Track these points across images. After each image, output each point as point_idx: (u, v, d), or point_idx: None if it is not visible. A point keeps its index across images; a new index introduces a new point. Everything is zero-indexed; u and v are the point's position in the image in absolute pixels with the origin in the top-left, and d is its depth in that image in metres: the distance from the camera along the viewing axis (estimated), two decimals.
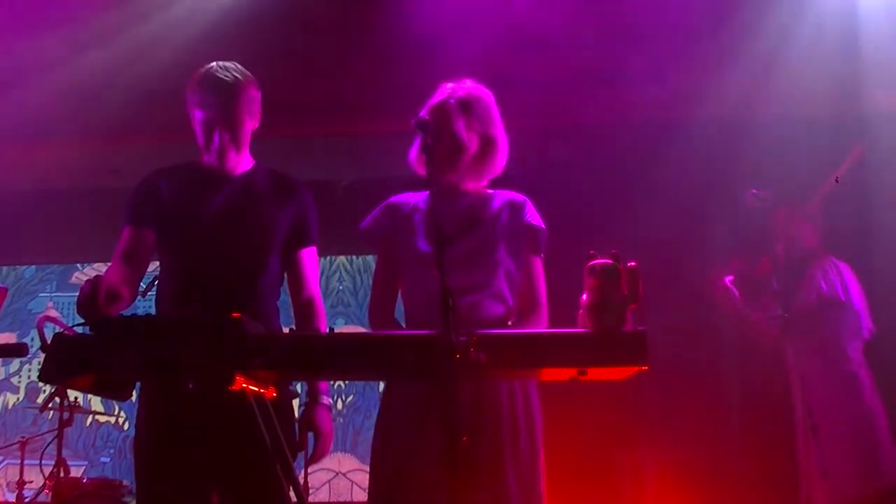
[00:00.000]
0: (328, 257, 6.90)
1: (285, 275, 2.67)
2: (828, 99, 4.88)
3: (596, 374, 1.91)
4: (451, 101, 2.44)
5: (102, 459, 6.38)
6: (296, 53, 5.02)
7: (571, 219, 5.95)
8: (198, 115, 2.57)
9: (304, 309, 2.62)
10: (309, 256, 2.67)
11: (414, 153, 2.51)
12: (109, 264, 2.55)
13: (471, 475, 1.77)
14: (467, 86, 2.51)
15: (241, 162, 2.66)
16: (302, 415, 2.55)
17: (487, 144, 2.47)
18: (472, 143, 2.43)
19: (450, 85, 2.50)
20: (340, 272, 6.85)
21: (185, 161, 2.69)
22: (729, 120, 5.26)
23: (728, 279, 4.15)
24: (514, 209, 2.49)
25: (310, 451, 2.56)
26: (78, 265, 6.96)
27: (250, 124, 2.64)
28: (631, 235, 5.51)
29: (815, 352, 4.02)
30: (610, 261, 1.90)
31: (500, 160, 2.51)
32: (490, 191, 2.54)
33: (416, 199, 2.52)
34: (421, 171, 2.47)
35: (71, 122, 5.21)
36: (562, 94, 5.05)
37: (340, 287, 6.84)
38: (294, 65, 5.02)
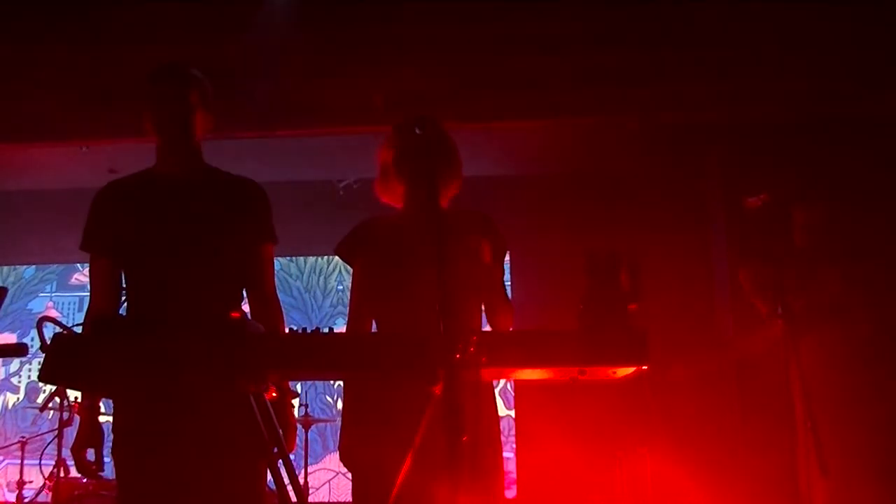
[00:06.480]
0: (327, 257, 6.90)
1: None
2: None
3: (596, 373, 1.91)
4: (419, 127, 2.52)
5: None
6: (296, 53, 5.02)
7: (572, 219, 5.97)
8: (151, 109, 2.56)
9: (261, 307, 2.62)
10: (263, 254, 2.66)
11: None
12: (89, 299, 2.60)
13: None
14: (426, 116, 2.64)
15: (193, 165, 2.63)
16: None
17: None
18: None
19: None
20: (340, 272, 6.85)
21: (138, 171, 2.67)
22: (735, 120, 5.27)
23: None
24: (479, 224, 2.67)
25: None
26: (78, 265, 6.96)
27: (203, 124, 2.62)
28: (633, 235, 5.55)
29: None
30: (610, 260, 1.90)
31: (459, 177, 2.71)
32: (454, 208, 2.73)
33: (387, 218, 2.72)
34: (388, 197, 2.69)
35: (71, 122, 5.21)
36: (565, 95, 5.05)
37: (340, 287, 6.84)
38: (294, 65, 5.02)
